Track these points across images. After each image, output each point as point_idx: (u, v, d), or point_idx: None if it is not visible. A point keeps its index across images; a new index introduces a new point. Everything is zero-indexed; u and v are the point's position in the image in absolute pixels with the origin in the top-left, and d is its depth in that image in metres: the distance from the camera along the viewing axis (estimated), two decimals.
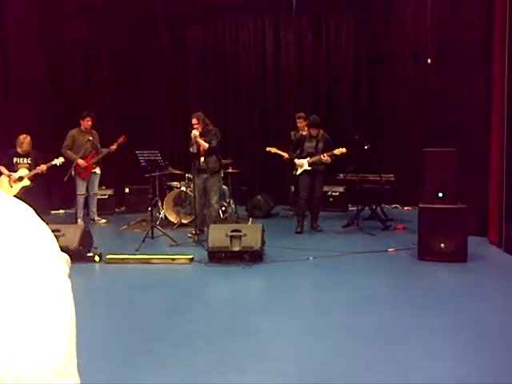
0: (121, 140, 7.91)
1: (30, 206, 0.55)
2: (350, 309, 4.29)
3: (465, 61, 7.23)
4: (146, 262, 5.80)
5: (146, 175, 7.22)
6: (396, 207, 9.12)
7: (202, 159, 6.68)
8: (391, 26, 9.43)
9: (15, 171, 7.22)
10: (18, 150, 7.27)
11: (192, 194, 7.07)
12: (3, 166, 7.20)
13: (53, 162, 7.18)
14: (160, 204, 8.01)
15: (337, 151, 7.04)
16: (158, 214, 7.86)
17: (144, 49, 9.95)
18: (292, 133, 8.16)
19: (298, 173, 7.29)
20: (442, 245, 5.54)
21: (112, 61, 9.86)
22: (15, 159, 7.27)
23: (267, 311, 4.34)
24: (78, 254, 5.48)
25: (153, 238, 6.73)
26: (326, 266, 5.60)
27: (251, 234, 5.68)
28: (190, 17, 9.82)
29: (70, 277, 0.52)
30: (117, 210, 9.25)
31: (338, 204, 8.93)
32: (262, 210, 8.56)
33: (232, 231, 5.67)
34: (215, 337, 3.78)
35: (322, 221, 7.54)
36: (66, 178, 6.92)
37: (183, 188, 7.76)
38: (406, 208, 9.04)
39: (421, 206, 5.75)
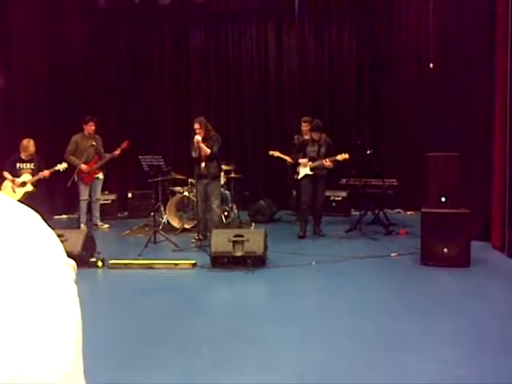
0: (124, 145, 7.93)
1: (34, 211, 0.56)
2: (353, 314, 4.28)
3: (467, 65, 7.24)
4: (149, 267, 5.80)
5: (149, 180, 7.23)
6: (399, 212, 9.11)
7: (203, 164, 6.70)
8: (393, 30, 9.46)
9: (18, 176, 7.24)
10: (22, 155, 7.29)
11: (194, 199, 7.09)
12: (7, 171, 7.23)
13: (56, 168, 7.20)
14: (163, 209, 8.02)
15: (339, 157, 7.01)
16: (160, 219, 7.87)
17: (147, 54, 9.99)
18: (296, 136, 8.17)
19: (299, 177, 7.29)
20: (445, 249, 5.53)
21: (115, 66, 9.91)
22: (18, 164, 7.29)
23: (270, 316, 4.33)
24: (81, 259, 5.48)
25: (155, 243, 6.74)
26: (329, 271, 5.59)
27: (254, 239, 5.68)
28: (192, 22, 9.87)
29: (76, 282, 0.53)
30: (119, 215, 9.27)
31: (340, 209, 8.92)
32: (265, 214, 8.56)
33: (235, 236, 5.68)
34: (218, 342, 3.78)
35: (324, 225, 7.54)
36: (69, 184, 6.95)
37: (186, 193, 7.77)
38: (408, 213, 9.02)
39: (423, 210, 5.75)
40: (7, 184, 7.20)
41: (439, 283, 5.23)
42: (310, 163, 7.16)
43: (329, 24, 9.68)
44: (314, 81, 9.71)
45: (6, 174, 7.21)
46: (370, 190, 7.74)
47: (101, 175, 8.09)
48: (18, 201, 0.56)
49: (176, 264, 5.81)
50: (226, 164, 8.11)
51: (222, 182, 7.94)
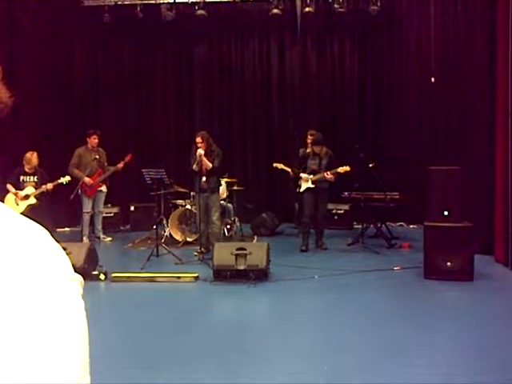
0: (127, 158, 7.97)
1: (37, 223, 0.56)
2: (355, 327, 4.25)
3: (468, 79, 7.29)
4: (152, 280, 5.79)
5: (152, 193, 7.25)
6: (401, 225, 9.09)
7: (204, 179, 6.75)
8: (394, 45, 9.54)
9: (22, 189, 7.26)
10: (25, 167, 7.33)
11: (196, 212, 7.10)
12: (10, 183, 7.25)
13: (59, 181, 7.23)
14: (165, 222, 8.02)
15: (341, 169, 7.03)
16: (163, 232, 7.86)
17: (150, 68, 10.08)
18: (301, 150, 8.18)
19: (301, 190, 7.30)
20: (449, 263, 5.51)
21: (119, 79, 9.99)
22: (22, 177, 7.32)
23: (272, 330, 4.31)
24: (84, 272, 5.48)
25: (158, 256, 6.73)
26: (332, 285, 5.57)
27: (256, 252, 5.67)
28: (196, 37, 9.97)
29: (82, 297, 0.53)
30: (122, 227, 9.27)
31: (342, 222, 8.91)
32: (268, 227, 8.56)
33: (237, 249, 5.67)
34: (220, 355, 3.75)
35: (326, 239, 7.52)
36: (72, 196, 6.96)
37: (188, 206, 7.78)
38: (411, 226, 9.01)
39: (426, 224, 5.73)
40: (10, 197, 7.22)
41: (443, 297, 5.20)
42: (312, 176, 7.17)
43: (331, 39, 9.77)
44: (316, 95, 9.77)
45: (9, 186, 7.23)
46: (373, 204, 7.73)
47: (104, 188, 8.12)
48: (21, 214, 0.57)
49: (178, 277, 5.80)
50: (229, 177, 8.14)
51: (225, 196, 7.96)
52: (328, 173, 7.03)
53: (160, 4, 9.34)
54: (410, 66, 9.39)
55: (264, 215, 8.64)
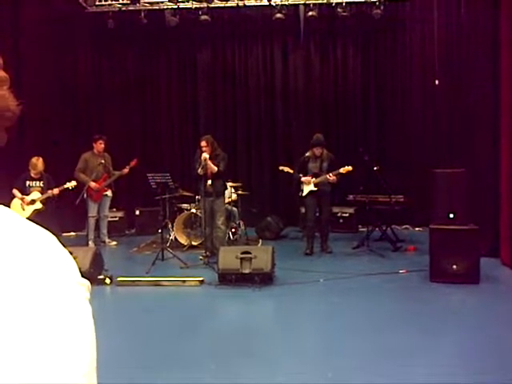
0: (133, 163, 8.00)
1: (42, 228, 0.57)
2: (360, 331, 4.24)
3: (472, 81, 7.27)
4: (157, 284, 5.80)
5: (157, 197, 7.27)
6: (406, 228, 9.07)
7: (209, 182, 6.75)
8: (398, 48, 9.54)
9: (28, 194, 7.30)
10: (31, 173, 7.37)
11: (202, 216, 7.11)
12: (16, 189, 7.30)
13: (65, 186, 7.27)
14: (170, 226, 8.04)
15: (343, 170, 7.01)
16: (168, 236, 7.88)
17: (154, 74, 10.11)
18: (307, 154, 8.18)
19: (304, 194, 7.27)
20: (454, 266, 5.48)
21: (123, 85, 10.03)
22: (28, 182, 7.36)
23: (277, 334, 4.31)
24: (89, 277, 5.49)
25: (163, 260, 6.75)
26: (337, 288, 5.56)
27: (261, 255, 5.67)
28: (199, 42, 10.01)
29: (90, 302, 0.54)
30: (127, 232, 9.29)
31: (347, 225, 8.90)
32: (272, 231, 8.55)
33: (242, 253, 5.67)
34: (225, 359, 3.76)
35: (331, 242, 7.51)
36: (77, 201, 6.99)
37: (193, 210, 7.79)
38: (416, 229, 8.98)
39: (431, 227, 5.72)
40: (16, 202, 7.26)
41: (448, 300, 5.17)
42: (314, 179, 7.15)
43: (334, 43, 9.78)
44: (319, 98, 9.77)
45: (15, 191, 7.28)
46: (378, 207, 7.72)
47: (109, 192, 8.15)
48: (27, 218, 0.57)
49: (184, 281, 5.81)
50: (234, 181, 8.15)
51: (231, 200, 7.97)
52: (330, 174, 7.01)
53: (164, 10, 9.38)
54: (414, 69, 9.39)
55: (269, 219, 8.64)
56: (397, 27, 9.46)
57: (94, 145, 8.05)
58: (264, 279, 5.60)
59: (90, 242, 7.81)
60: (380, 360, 3.64)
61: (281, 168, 8.28)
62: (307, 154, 7.35)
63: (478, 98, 7.07)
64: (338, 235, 8.32)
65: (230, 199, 7.97)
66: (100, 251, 6.31)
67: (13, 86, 0.63)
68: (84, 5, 9.30)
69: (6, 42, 8.12)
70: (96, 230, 8.16)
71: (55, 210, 7.55)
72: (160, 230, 7.11)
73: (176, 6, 9.26)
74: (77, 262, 0.57)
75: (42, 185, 7.37)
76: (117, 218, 9.07)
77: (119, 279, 5.87)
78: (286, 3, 9.18)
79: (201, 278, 5.84)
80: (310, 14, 9.05)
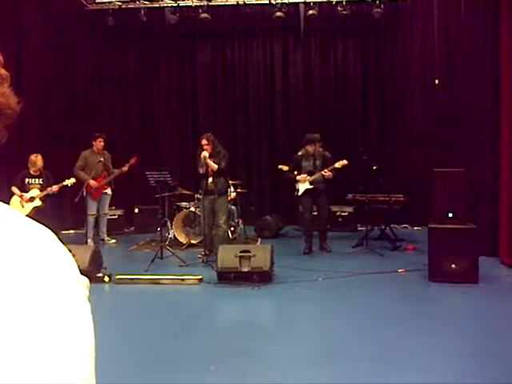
0: (132, 161, 7.99)
1: (44, 226, 0.57)
2: (359, 330, 4.24)
3: (472, 81, 7.28)
4: (156, 282, 5.80)
5: (156, 195, 7.27)
6: (405, 227, 9.08)
7: (210, 180, 6.72)
8: (398, 46, 9.54)
9: (27, 192, 7.30)
10: (30, 170, 7.36)
11: (201, 215, 7.10)
12: (15, 186, 7.29)
13: (64, 183, 7.26)
14: (169, 224, 8.04)
15: (338, 164, 6.96)
16: (167, 235, 7.88)
17: (154, 71, 10.11)
18: (300, 152, 8.17)
19: (299, 194, 7.24)
20: (453, 265, 5.49)
21: (123, 82, 10.03)
22: (27, 180, 7.36)
23: (276, 333, 4.31)
24: (88, 275, 5.45)
25: (162, 258, 6.74)
26: (336, 287, 5.56)
27: (260, 254, 5.67)
28: (199, 40, 10.00)
29: (88, 299, 0.54)
30: (126, 230, 9.29)
31: (346, 224, 8.90)
32: (271, 230, 8.56)
33: (241, 252, 5.67)
34: (224, 357, 3.76)
35: (330, 241, 7.51)
36: (76, 199, 6.99)
37: (192, 208, 7.79)
38: (415, 228, 8.99)
39: (430, 226, 5.72)
40: (16, 199, 7.25)
41: (447, 300, 5.18)
42: (309, 177, 7.13)
43: (334, 42, 9.78)
44: (320, 97, 9.78)
45: (14, 189, 7.27)
46: (377, 206, 7.72)
47: (109, 190, 8.15)
48: (27, 216, 0.57)
49: (182, 279, 5.81)
50: (233, 179, 8.15)
51: (230, 198, 7.96)
52: (325, 170, 6.97)
53: (164, 7, 9.38)
54: (414, 68, 9.39)
55: (268, 217, 8.64)
56: (397, 26, 9.46)
57: (94, 143, 8.04)
58: (263, 278, 5.61)
59: (89, 240, 7.80)
60: (379, 359, 3.64)
61: (280, 167, 8.26)
62: (300, 153, 7.30)
63: (477, 96, 7.07)
64: (337, 234, 8.32)
65: (229, 198, 7.96)
66: (99, 249, 6.31)
67: (13, 84, 0.63)
68: (84, 2, 9.29)
69: (6, 39, 8.11)
70: (95, 227, 8.16)
71: (54, 208, 7.54)
72: (159, 229, 7.11)
73: (176, 4, 9.25)
74: (76, 260, 0.57)
75: (41, 182, 7.37)
76: (116, 216, 9.06)
77: (118, 277, 5.87)
78: (286, 2, 9.17)
79: (200, 277, 5.84)
80: (310, 12, 9.04)
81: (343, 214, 8.96)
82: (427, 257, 5.70)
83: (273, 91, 9.95)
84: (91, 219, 7.95)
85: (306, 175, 7.12)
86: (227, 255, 5.68)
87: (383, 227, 7.89)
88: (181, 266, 6.46)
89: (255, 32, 9.87)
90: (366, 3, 9.09)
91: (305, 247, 7.25)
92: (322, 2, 9.17)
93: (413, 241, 7.77)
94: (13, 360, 0.46)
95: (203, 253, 6.78)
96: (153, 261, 6.43)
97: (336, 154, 7.45)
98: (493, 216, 6.56)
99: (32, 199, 7.27)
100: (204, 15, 9.08)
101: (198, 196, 7.61)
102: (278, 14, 9.01)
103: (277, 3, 9.07)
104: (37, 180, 7.38)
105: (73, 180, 7.32)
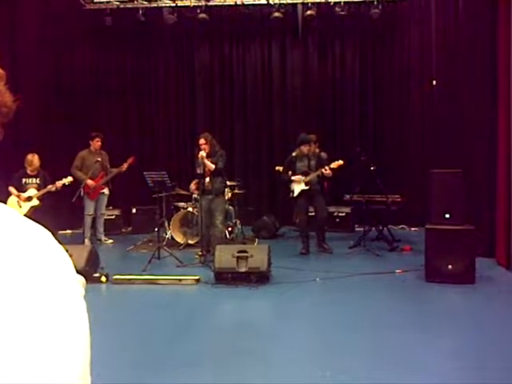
0: (130, 161, 7.99)
1: (41, 225, 0.57)
2: (356, 330, 4.25)
3: (470, 81, 7.30)
4: (153, 282, 5.80)
5: (154, 196, 7.26)
6: (403, 228, 9.09)
7: (208, 180, 6.71)
8: (396, 47, 9.56)
9: (24, 191, 7.28)
10: (27, 169, 7.35)
11: (198, 215, 7.10)
12: (13, 186, 7.27)
13: (61, 182, 7.24)
14: (167, 224, 8.03)
15: (333, 165, 6.91)
16: (164, 235, 7.87)
17: (152, 71, 10.10)
18: (294, 153, 8.16)
19: (295, 195, 7.20)
20: (450, 266, 5.50)
21: (120, 82, 10.01)
22: (24, 179, 7.34)
23: (273, 333, 4.31)
24: (85, 275, 5.45)
25: (159, 258, 6.74)
26: (333, 288, 5.57)
27: (258, 254, 5.67)
28: (197, 40, 10.00)
29: (84, 298, 0.54)
30: (124, 230, 9.28)
31: (344, 225, 8.91)
32: (269, 230, 8.56)
33: (238, 252, 5.67)
34: (221, 358, 3.76)
35: (328, 241, 7.50)
36: (74, 199, 6.98)
37: (190, 209, 7.79)
38: (412, 229, 9.00)
39: (427, 227, 5.73)
40: (13, 199, 7.24)
41: (444, 300, 5.19)
42: (304, 178, 7.11)
43: (332, 42, 9.79)
44: (317, 98, 9.78)
45: (11, 189, 7.25)
46: (374, 206, 7.73)
47: (106, 190, 8.14)
48: (24, 215, 0.57)
49: (180, 280, 5.81)
50: (230, 179, 8.14)
51: (228, 198, 7.96)
52: (326, 168, 6.89)
53: (162, 7, 9.37)
54: (412, 68, 9.41)
55: (265, 218, 8.64)
56: (395, 27, 9.48)
57: (91, 142, 8.04)
58: (260, 278, 5.61)
59: (86, 240, 7.80)
60: (376, 359, 3.65)
61: (277, 168, 8.26)
62: (294, 154, 7.26)
63: (475, 97, 7.09)
64: (335, 235, 8.33)
65: (227, 198, 7.95)
66: (96, 249, 6.30)
67: (9, 82, 0.63)
68: (82, 2, 9.27)
69: (3, 38, 8.10)
70: (92, 227, 8.15)
71: (52, 208, 7.52)
72: (156, 229, 7.10)
73: (174, 4, 9.25)
74: (72, 260, 0.56)
75: (38, 182, 7.35)
76: (113, 216, 9.05)
77: (115, 277, 5.86)
78: (285, 2, 9.18)
79: (197, 277, 5.84)
80: (309, 12, 9.05)
81: (340, 214, 8.97)
82: (424, 257, 5.71)
83: (270, 91, 9.95)
84: (88, 219, 7.94)
85: (300, 176, 7.10)
86: (224, 255, 5.68)
87: (380, 228, 7.90)
88: (178, 266, 6.46)
89: (253, 32, 9.87)
90: (364, 4, 9.11)
91: (301, 248, 7.25)
92: (320, 3, 9.17)
93: (410, 241, 7.78)
94: (8, 358, 0.46)
95: (200, 253, 6.78)
96: (150, 261, 6.42)
97: (333, 155, 7.46)
98: (490, 217, 6.57)
99: (29, 199, 7.25)
100: (202, 15, 9.08)
101: (196, 196, 7.61)
102: (276, 14, 9.02)
103: (275, 3, 9.08)
104: (34, 180, 7.36)
105: (70, 178, 7.31)
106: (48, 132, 8.88)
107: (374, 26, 9.34)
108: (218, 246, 5.99)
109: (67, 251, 0.58)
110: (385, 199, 7.57)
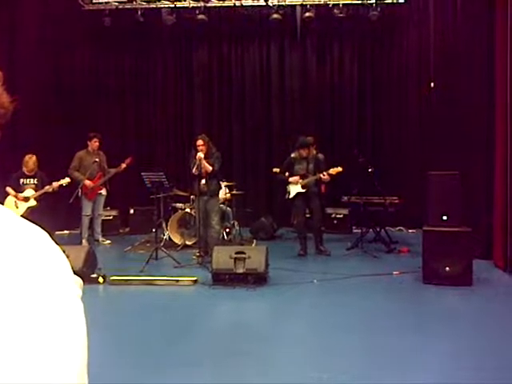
0: (128, 161, 7.98)
1: (38, 226, 0.57)
2: (353, 332, 4.25)
3: (467, 84, 7.32)
4: (150, 283, 5.79)
5: (151, 196, 7.25)
6: (400, 230, 9.10)
7: (204, 181, 6.74)
8: (394, 50, 9.58)
9: (22, 192, 7.27)
10: (25, 170, 7.34)
11: (196, 216, 7.10)
12: (10, 186, 7.26)
13: (59, 182, 7.24)
14: (164, 225, 8.02)
15: (332, 171, 6.93)
16: (162, 236, 7.86)
17: (151, 72, 10.10)
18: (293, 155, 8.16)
19: (290, 196, 7.21)
20: (447, 268, 5.51)
21: (118, 83, 10.00)
22: (22, 180, 7.34)
23: (271, 334, 4.31)
24: (82, 275, 5.45)
25: (157, 259, 6.73)
26: (331, 289, 5.57)
27: (255, 256, 5.67)
28: (196, 41, 10.00)
29: (82, 299, 0.54)
30: (121, 230, 9.27)
31: (341, 226, 8.91)
32: (267, 231, 8.56)
33: (236, 253, 5.67)
34: (218, 359, 3.75)
35: (325, 243, 7.50)
36: (71, 199, 6.97)
37: (188, 209, 7.78)
38: (410, 231, 9.01)
39: (425, 229, 5.74)
40: (10, 199, 7.23)
41: (441, 302, 5.19)
42: (301, 180, 7.12)
43: (330, 44, 9.80)
44: (315, 100, 9.79)
45: (8, 189, 7.25)
46: (372, 208, 7.74)
47: (104, 191, 8.13)
48: (21, 216, 0.57)
49: (177, 280, 5.80)
50: (228, 181, 8.15)
51: (225, 199, 7.96)
52: (324, 173, 6.93)
53: (161, 8, 9.37)
54: (410, 71, 9.43)
55: (263, 219, 8.64)
56: (393, 29, 9.49)
57: (89, 143, 8.03)
58: (258, 279, 5.61)
59: (84, 241, 7.78)
60: (373, 360, 3.65)
61: (274, 170, 8.27)
62: (293, 155, 7.28)
63: (472, 100, 7.11)
64: (332, 236, 8.33)
65: (224, 199, 7.96)
66: (93, 250, 6.29)
67: (7, 83, 0.63)
68: (81, 2, 9.27)
69: (2, 38, 8.09)
70: (90, 228, 8.14)
71: (49, 208, 7.51)
72: (154, 230, 7.09)
73: (173, 5, 9.25)
74: (70, 261, 0.57)
75: (35, 182, 7.35)
76: (111, 217, 9.04)
77: (112, 278, 5.85)
78: (283, 4, 9.20)
79: (194, 278, 5.84)
80: (307, 14, 9.07)
81: (338, 216, 8.98)
82: (421, 259, 5.71)
83: (269, 93, 9.95)
84: (86, 220, 7.93)
85: (298, 178, 7.11)
86: (222, 256, 5.68)
87: (378, 229, 7.90)
88: (176, 267, 6.45)
89: (252, 34, 9.88)
90: (362, 6, 9.13)
91: (299, 249, 7.25)
92: (318, 5, 9.19)
93: (407, 243, 7.79)
94: (5, 359, 0.46)
95: (198, 254, 6.78)
96: (148, 262, 6.41)
97: (331, 157, 7.47)
98: (487, 219, 6.59)
99: (27, 199, 7.24)
100: (201, 16, 9.09)
101: (193, 197, 7.61)
102: (275, 15, 9.03)
103: (273, 5, 9.09)
104: (32, 180, 7.36)
105: (67, 179, 7.30)
106: (46, 132, 8.86)
107: (373, 29, 9.36)
108: (215, 247, 5.99)
109: (64, 252, 0.58)
110: (382, 201, 7.58)
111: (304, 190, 7.08)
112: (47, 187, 7.20)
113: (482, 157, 6.80)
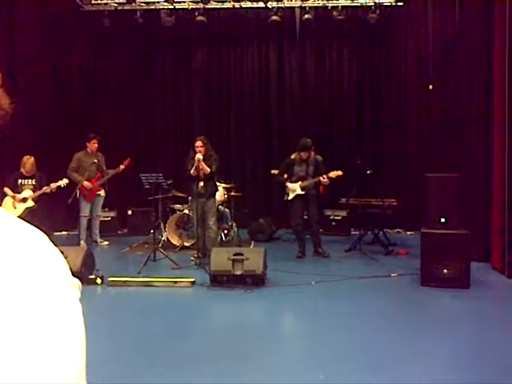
0: (126, 163, 7.97)
1: (34, 227, 0.57)
2: (352, 334, 4.25)
3: (466, 85, 7.33)
4: (148, 284, 5.78)
5: (149, 198, 7.25)
6: (399, 232, 9.11)
7: (202, 184, 6.74)
8: (393, 51, 9.60)
9: (19, 192, 7.26)
10: (23, 171, 7.33)
11: (193, 217, 7.11)
12: (8, 187, 7.25)
13: (57, 183, 7.23)
14: (162, 226, 8.02)
15: (332, 174, 6.92)
16: (160, 237, 7.86)
17: (149, 73, 10.09)
18: (293, 156, 8.17)
19: (289, 198, 7.22)
20: (445, 270, 5.52)
21: (117, 84, 10.00)
22: (20, 181, 7.32)
23: (268, 336, 4.31)
24: (80, 276, 5.47)
25: (155, 260, 6.73)
26: (329, 291, 5.57)
27: (253, 257, 5.67)
28: (195, 43, 10.01)
29: (80, 301, 0.54)
30: (119, 232, 9.26)
31: (340, 228, 8.92)
32: (265, 233, 8.56)
33: (234, 255, 5.67)
34: (216, 360, 3.75)
35: (324, 245, 7.50)
36: (69, 200, 6.96)
37: (186, 211, 7.78)
38: (408, 233, 9.02)
39: (423, 231, 5.75)
40: (8, 200, 7.22)
41: (439, 304, 5.20)
42: (300, 183, 7.12)
43: (329, 46, 9.82)
44: (314, 101, 9.80)
45: (6, 190, 7.23)
46: (370, 210, 7.75)
47: (102, 192, 8.13)
48: (19, 217, 0.57)
49: (175, 282, 5.79)
50: (227, 182, 8.14)
51: (222, 201, 7.96)
52: (324, 176, 6.94)
53: (160, 10, 9.38)
54: (409, 73, 9.44)
55: (261, 221, 8.64)
56: (392, 31, 9.51)
57: (88, 144, 8.02)
58: (256, 281, 5.60)
59: (82, 242, 7.77)
60: (371, 362, 3.65)
61: (272, 172, 8.27)
62: (293, 157, 7.27)
63: (471, 102, 7.12)
64: (331, 238, 8.34)
65: (222, 200, 7.96)
66: (91, 251, 6.29)
67: (6, 85, 0.63)
68: (80, 3, 9.27)
69: (1, 39, 8.09)
70: (88, 229, 8.13)
71: (47, 209, 7.50)
72: (152, 231, 7.09)
73: (172, 7, 9.26)
74: (68, 262, 0.57)
75: (34, 183, 7.33)
76: (109, 218, 9.03)
77: (110, 279, 5.84)
78: (282, 6, 9.21)
79: (192, 279, 5.83)
80: (306, 16, 9.08)
81: (337, 218, 8.99)
82: (420, 261, 5.72)
83: (268, 94, 9.96)
84: (84, 221, 7.92)
85: (295, 182, 7.10)
86: (220, 258, 5.68)
87: (376, 231, 7.91)
88: (174, 268, 6.45)
89: (251, 35, 9.90)
90: (361, 8, 9.14)
91: (298, 251, 7.25)
92: (317, 7, 9.21)
93: (405, 245, 7.80)
94: (5, 360, 0.46)
95: (196, 255, 6.77)
96: (145, 263, 6.41)
97: (330, 158, 7.47)
98: (485, 222, 6.59)
99: (24, 200, 7.23)
100: (200, 18, 9.09)
101: (191, 198, 7.61)
102: (274, 17, 9.04)
103: (273, 7, 9.10)
104: (30, 181, 7.35)
105: (66, 181, 7.29)
106: (44, 133, 8.85)
107: (372, 31, 9.38)
108: (213, 249, 5.99)
109: (62, 253, 0.58)
110: (381, 203, 7.58)
111: (303, 192, 7.08)
112: (45, 188, 7.19)
113: (481, 159, 6.81)
